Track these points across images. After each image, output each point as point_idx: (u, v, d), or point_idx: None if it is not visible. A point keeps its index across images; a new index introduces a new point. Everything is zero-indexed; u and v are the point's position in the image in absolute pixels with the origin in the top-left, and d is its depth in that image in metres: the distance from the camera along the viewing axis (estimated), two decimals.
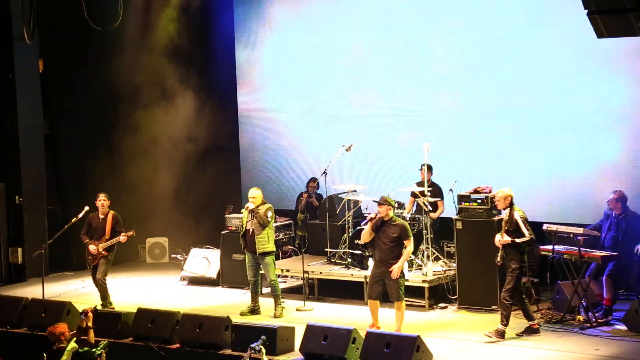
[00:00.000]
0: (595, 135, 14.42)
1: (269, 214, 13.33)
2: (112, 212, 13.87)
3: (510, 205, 12.02)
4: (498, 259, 12.08)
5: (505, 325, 11.93)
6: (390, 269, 11.94)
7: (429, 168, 14.33)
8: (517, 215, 11.92)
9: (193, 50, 17.92)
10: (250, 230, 13.35)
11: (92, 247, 13.71)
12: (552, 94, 14.74)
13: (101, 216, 13.87)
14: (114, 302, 13.92)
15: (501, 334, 11.90)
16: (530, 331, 12.02)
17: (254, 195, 13.40)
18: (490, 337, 11.86)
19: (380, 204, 12.17)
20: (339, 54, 16.66)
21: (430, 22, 15.74)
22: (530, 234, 11.88)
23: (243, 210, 13.50)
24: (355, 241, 14.24)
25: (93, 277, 13.92)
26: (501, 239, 11.97)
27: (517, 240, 11.88)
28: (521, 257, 11.94)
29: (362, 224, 13.82)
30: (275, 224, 15.12)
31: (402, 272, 12.05)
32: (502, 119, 15.17)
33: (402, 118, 16.03)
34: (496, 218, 13.16)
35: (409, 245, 12.07)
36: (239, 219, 13.98)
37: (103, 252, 13.69)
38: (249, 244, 13.43)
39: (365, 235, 12.35)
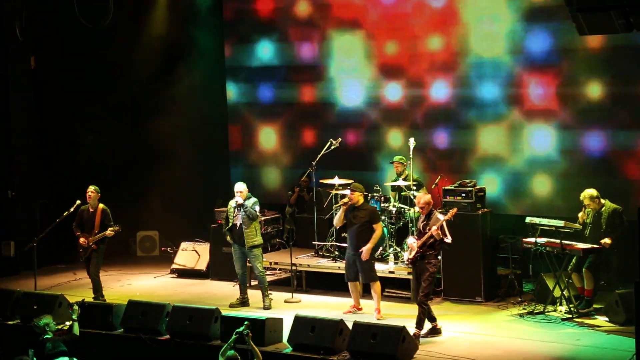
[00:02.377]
0: (578, 130, 14.64)
1: (257, 208, 13.49)
2: (101, 205, 13.88)
3: (432, 209, 12.03)
4: (410, 259, 12.02)
5: (432, 321, 11.90)
6: (360, 250, 12.47)
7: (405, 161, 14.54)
8: (441, 218, 11.78)
9: (182, 46, 18.02)
10: (238, 224, 13.48)
11: (81, 240, 13.83)
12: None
13: (91, 209, 13.88)
14: (105, 295, 14.05)
15: (432, 332, 11.92)
16: (434, 332, 11.92)
17: (241, 189, 13.45)
18: (426, 336, 11.77)
19: (352, 190, 12.68)
20: (333, 50, 16.79)
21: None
22: (450, 240, 11.81)
23: (230, 202, 13.64)
24: (343, 234, 14.42)
25: (87, 270, 14.05)
26: (417, 241, 11.89)
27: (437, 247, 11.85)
28: (437, 261, 11.94)
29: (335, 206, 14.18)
30: (264, 218, 15.31)
31: (372, 254, 12.60)
32: (484, 111, 15.37)
33: (388, 113, 16.22)
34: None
35: (379, 228, 12.62)
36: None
37: (93, 246, 13.83)
38: (237, 238, 13.52)
39: (339, 220, 12.92)
